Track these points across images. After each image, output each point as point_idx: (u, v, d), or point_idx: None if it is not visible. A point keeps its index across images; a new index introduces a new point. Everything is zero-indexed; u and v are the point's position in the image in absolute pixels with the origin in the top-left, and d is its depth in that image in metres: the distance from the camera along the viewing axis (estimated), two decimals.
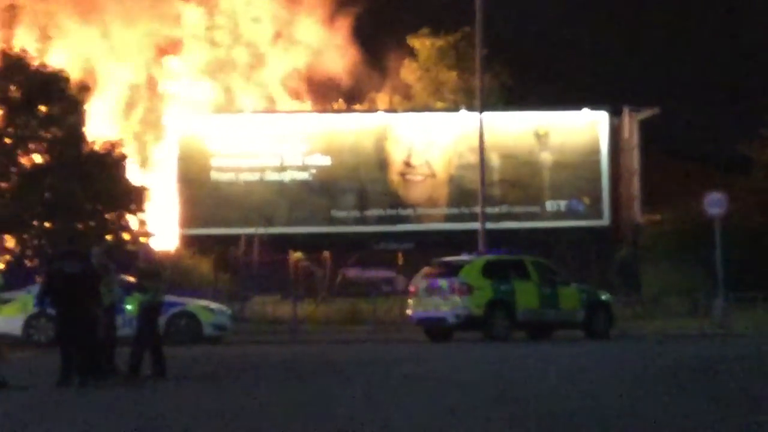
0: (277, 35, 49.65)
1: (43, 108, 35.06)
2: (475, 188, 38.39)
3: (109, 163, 35.64)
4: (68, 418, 14.29)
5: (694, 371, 19.89)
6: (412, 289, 30.60)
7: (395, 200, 44.83)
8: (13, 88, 34.81)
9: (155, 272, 19.89)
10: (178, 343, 26.00)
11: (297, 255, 42.71)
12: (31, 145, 34.91)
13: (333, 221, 44.35)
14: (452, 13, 44.80)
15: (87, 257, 18.63)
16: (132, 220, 36.32)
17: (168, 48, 48.18)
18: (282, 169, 44.29)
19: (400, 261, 44.32)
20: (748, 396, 15.75)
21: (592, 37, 49.67)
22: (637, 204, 45.95)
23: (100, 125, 38.10)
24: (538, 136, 45.41)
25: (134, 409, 15.22)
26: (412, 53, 50.83)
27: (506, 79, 49.26)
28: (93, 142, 35.95)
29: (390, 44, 49.83)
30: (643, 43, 50.65)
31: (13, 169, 34.40)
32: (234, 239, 41.87)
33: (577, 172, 45.40)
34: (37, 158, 35.01)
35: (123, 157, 36.43)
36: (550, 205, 45.36)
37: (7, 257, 33.00)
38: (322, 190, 44.43)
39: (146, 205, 36.66)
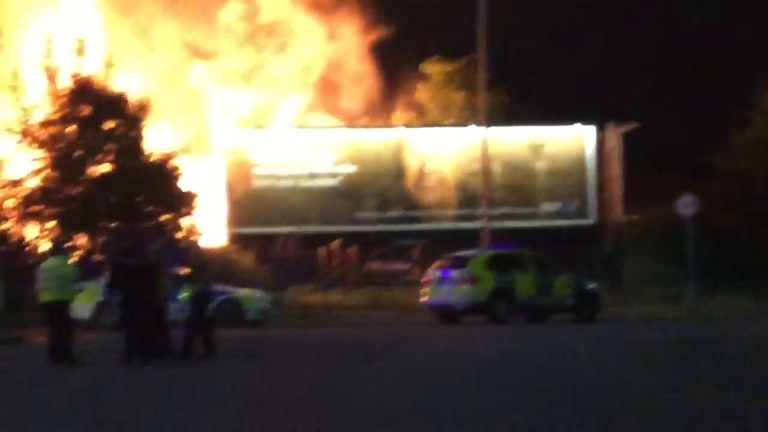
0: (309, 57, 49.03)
1: (108, 125, 35.16)
2: (480, 192, 38.55)
3: (165, 172, 35.72)
4: (130, 392, 14.39)
5: (668, 348, 20.13)
6: (426, 279, 30.66)
7: (411, 203, 44.83)
8: (83, 107, 34.96)
9: (204, 265, 20.01)
10: (224, 326, 26.08)
11: (335, 243, 42.52)
12: (98, 157, 34.99)
13: (357, 221, 44.42)
14: (460, 41, 44.81)
15: (145, 253, 18.76)
16: (184, 221, 36.33)
17: (205, 54, 47.58)
18: (314, 176, 44.36)
19: (416, 255, 44.24)
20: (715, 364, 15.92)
21: (582, 60, 49.52)
22: (619, 206, 45.92)
23: (158, 138, 38.10)
24: (534, 148, 45.37)
25: (189, 382, 15.34)
26: (424, 77, 50.80)
27: (506, 98, 49.15)
28: (151, 154, 36.02)
29: (406, 69, 49.80)
30: (629, 65, 50.60)
31: (84, 178, 34.53)
32: (273, 237, 42.01)
33: (567, 179, 45.35)
34: (103, 168, 35.08)
35: (176, 167, 36.47)
36: (544, 207, 45.33)
37: (80, 252, 33.07)
38: (348, 195, 44.45)
39: (196, 209, 36.67)
